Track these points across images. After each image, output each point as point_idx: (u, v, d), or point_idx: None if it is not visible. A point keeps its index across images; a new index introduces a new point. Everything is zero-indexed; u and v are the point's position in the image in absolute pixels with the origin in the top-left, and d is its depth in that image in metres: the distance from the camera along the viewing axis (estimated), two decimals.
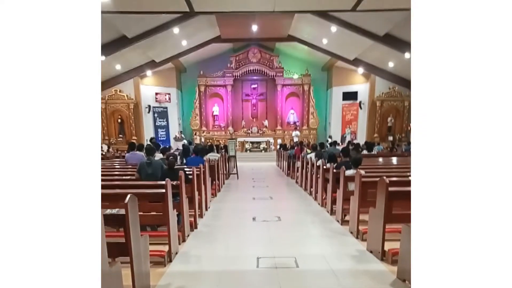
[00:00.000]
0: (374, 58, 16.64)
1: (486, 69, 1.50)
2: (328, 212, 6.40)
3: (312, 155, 8.76)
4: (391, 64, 16.51)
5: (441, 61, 1.57)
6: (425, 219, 1.58)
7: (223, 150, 12.30)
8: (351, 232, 5.10)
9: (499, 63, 1.49)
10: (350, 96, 19.86)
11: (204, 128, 21.16)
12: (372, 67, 17.59)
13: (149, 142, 11.56)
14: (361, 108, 19.51)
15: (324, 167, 6.95)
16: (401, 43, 13.59)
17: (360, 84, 19.40)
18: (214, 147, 10.57)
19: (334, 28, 13.97)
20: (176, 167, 5.56)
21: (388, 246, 4.02)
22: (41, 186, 1.47)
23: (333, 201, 6.19)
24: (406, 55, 13.97)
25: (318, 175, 7.36)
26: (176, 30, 14.09)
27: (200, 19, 14.42)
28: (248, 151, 20.11)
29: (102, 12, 6.80)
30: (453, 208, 1.52)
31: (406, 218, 3.68)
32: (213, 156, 9.39)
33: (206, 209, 6.67)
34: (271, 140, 20.66)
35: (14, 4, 1.45)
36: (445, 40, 1.57)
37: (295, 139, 19.08)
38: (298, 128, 21.04)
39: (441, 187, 1.55)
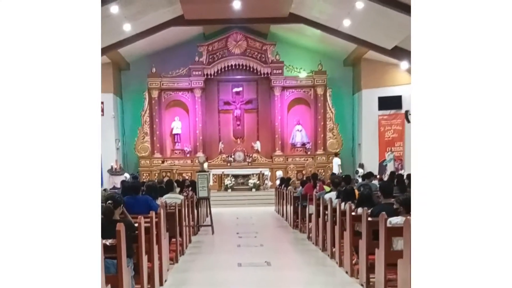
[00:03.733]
0: None
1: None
2: (362, 285, 6.37)
3: (333, 194, 8.79)
4: None
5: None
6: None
7: (189, 189, 12.13)
8: None
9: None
10: (390, 103, 20.06)
11: (158, 155, 20.98)
12: None
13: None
14: (408, 121, 19.51)
15: (353, 213, 6.96)
16: None
17: (405, 86, 19.40)
18: (175, 185, 10.50)
19: (360, 3, 14.30)
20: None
21: None
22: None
23: (370, 268, 6.13)
24: None
25: (344, 227, 7.36)
26: (114, 8, 14.40)
27: None
28: (230, 190, 20.00)
29: None
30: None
31: None
32: (172, 198, 9.39)
33: (161, 283, 6.65)
34: (266, 172, 20.56)
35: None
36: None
37: (336, 170, 19.02)
38: (308, 151, 21.07)
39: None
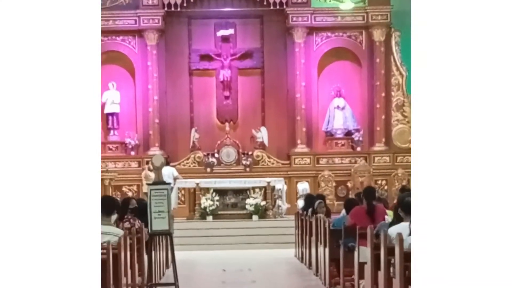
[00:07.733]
0: None
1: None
2: None
3: (405, 227, 9.04)
4: None
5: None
6: None
7: (130, 217, 12.39)
8: None
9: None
10: None
11: None
12: None
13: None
14: None
15: None
16: None
17: None
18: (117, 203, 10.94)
19: None
20: None
21: None
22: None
23: None
24: None
25: None
26: None
27: None
28: (211, 217, 20.30)
29: None
30: None
31: None
32: (103, 233, 9.29)
33: None
34: (279, 184, 20.77)
35: None
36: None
37: None
38: (358, 145, 21.51)
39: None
